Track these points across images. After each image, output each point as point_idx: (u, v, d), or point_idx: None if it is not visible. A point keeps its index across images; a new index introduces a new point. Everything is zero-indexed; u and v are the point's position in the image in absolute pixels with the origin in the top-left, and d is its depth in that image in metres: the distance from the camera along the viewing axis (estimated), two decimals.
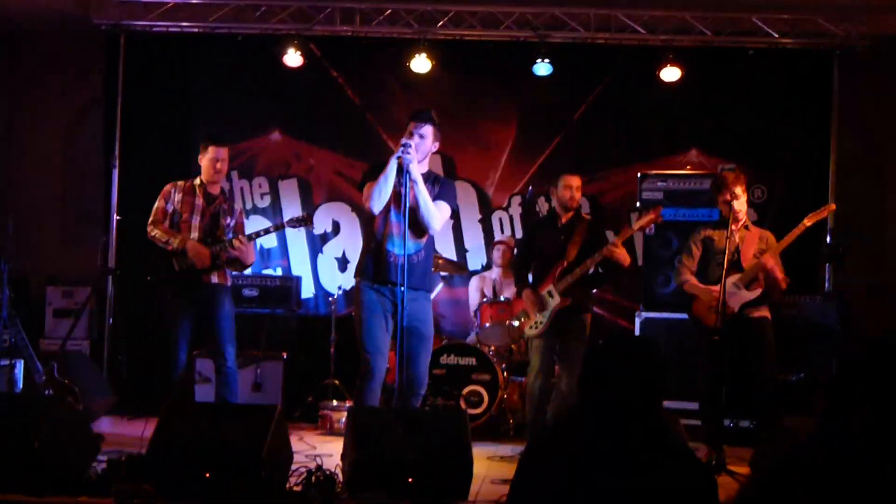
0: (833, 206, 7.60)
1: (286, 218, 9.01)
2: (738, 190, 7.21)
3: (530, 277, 7.92)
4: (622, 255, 7.46)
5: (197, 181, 7.69)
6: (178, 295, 7.48)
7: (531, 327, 7.71)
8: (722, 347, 7.04)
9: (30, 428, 5.70)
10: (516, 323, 8.04)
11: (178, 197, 7.61)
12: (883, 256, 10.54)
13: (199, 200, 7.61)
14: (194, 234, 7.51)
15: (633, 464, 3.02)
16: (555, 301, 7.61)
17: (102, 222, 10.10)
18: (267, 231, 7.93)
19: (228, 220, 7.68)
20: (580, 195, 7.91)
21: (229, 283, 7.73)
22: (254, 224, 9.39)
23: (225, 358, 7.55)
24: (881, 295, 9.92)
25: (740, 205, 7.22)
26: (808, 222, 7.19)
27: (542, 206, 10.06)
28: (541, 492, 3.09)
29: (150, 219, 7.59)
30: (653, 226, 8.18)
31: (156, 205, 7.63)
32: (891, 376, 2.68)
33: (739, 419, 8.39)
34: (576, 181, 7.78)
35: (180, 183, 7.71)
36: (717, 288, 7.10)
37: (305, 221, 7.86)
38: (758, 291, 7.16)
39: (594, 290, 8.24)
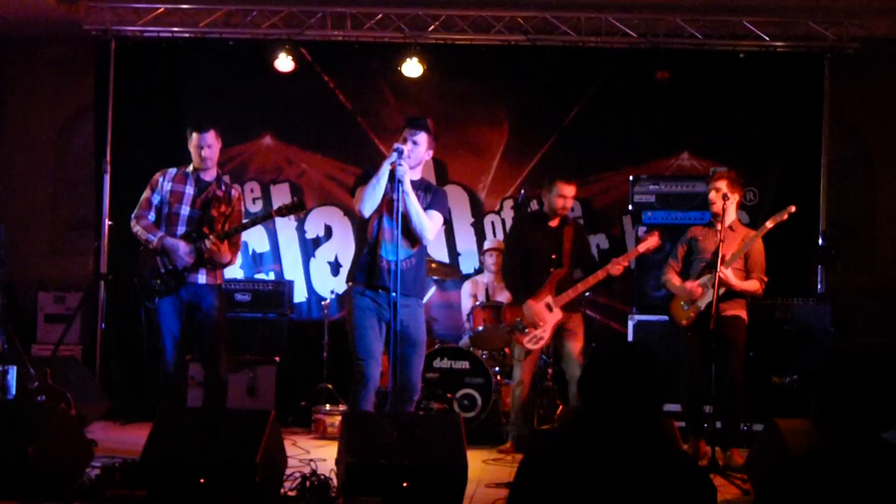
0: (793, 208, 7.47)
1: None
2: (735, 193, 7.41)
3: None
4: (620, 270, 7.75)
5: (189, 168, 7.29)
6: (163, 295, 7.12)
7: (531, 341, 7.77)
8: (695, 343, 7.37)
9: (23, 434, 5.69)
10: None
11: (167, 186, 7.21)
12: (875, 257, 10.57)
13: (190, 189, 7.22)
14: (181, 228, 7.14)
15: (634, 470, 3.03)
16: (555, 316, 7.71)
17: (94, 228, 10.09)
18: (254, 222, 7.45)
19: (224, 209, 7.27)
20: (572, 203, 8.06)
21: (219, 282, 7.30)
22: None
23: (213, 365, 7.24)
24: (874, 295, 9.95)
25: (731, 205, 7.43)
26: (770, 224, 7.36)
27: (535, 209, 10.05)
28: (541, 498, 3.09)
29: (135, 212, 7.24)
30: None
31: (143, 195, 7.27)
32: (874, 383, 2.71)
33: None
34: (571, 190, 7.93)
35: (171, 170, 7.31)
36: (690, 284, 7.46)
37: (297, 208, 7.30)
38: (722, 290, 7.24)
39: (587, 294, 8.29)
